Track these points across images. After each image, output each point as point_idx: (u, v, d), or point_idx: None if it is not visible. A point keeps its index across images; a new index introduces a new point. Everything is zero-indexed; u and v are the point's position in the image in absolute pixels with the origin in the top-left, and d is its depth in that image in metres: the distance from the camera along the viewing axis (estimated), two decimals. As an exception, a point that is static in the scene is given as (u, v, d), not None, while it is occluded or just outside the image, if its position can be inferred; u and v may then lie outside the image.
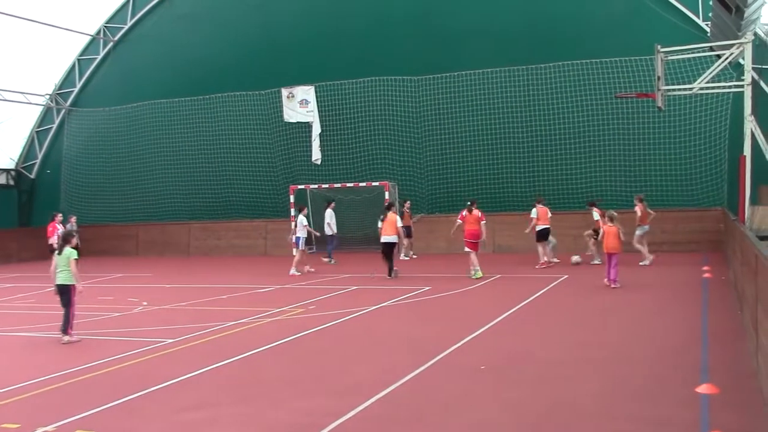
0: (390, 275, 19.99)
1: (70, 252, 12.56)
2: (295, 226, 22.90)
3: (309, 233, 22.96)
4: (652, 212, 21.26)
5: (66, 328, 12.38)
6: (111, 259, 30.56)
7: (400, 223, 20.51)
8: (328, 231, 25.05)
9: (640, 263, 20.15)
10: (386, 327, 13.08)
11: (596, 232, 20.98)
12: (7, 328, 14.17)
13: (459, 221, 19.74)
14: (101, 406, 8.35)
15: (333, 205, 25.33)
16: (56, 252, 12.67)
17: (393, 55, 28.90)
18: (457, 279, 18.94)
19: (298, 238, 22.63)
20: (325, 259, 25.05)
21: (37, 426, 7.65)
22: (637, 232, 20.82)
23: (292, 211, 29.03)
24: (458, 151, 28.34)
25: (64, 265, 12.49)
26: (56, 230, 24.21)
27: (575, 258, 21.31)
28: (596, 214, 20.76)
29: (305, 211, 23.31)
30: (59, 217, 25.04)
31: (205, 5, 32.45)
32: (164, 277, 23.62)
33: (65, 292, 12.48)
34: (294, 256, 22.64)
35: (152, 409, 8.28)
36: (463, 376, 9.20)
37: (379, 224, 21.08)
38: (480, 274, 19.14)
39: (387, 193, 26.93)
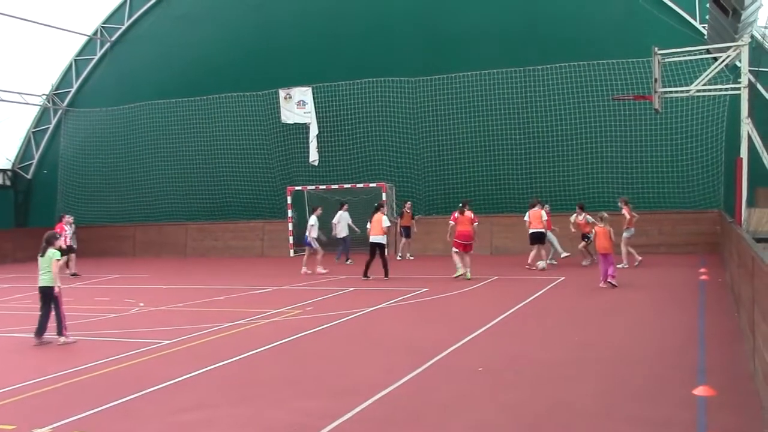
0: (385, 276, 20.00)
1: (52, 253, 12.48)
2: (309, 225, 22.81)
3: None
4: (635, 215, 21.28)
5: (59, 330, 12.32)
6: (108, 259, 30.51)
7: (387, 223, 20.47)
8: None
9: (619, 266, 20.06)
10: (384, 328, 13.07)
11: (586, 237, 21.06)
12: (3, 329, 14.14)
13: (452, 223, 19.74)
14: (98, 407, 8.34)
15: (345, 207, 24.90)
16: (39, 254, 12.59)
17: (390, 57, 28.92)
18: (455, 280, 18.94)
19: (305, 238, 22.64)
20: (348, 261, 24.92)
21: (34, 427, 7.63)
22: (625, 235, 20.79)
23: (290, 212, 29.11)
24: (456, 152, 28.37)
25: (47, 266, 12.42)
26: (63, 231, 24.19)
27: (541, 263, 20.88)
28: (590, 218, 20.91)
29: (318, 211, 23.17)
30: (67, 217, 25.05)
31: (202, 6, 32.44)
32: (161, 278, 23.59)
33: (49, 295, 12.42)
34: (316, 257, 22.51)
35: (149, 411, 8.26)
36: (461, 377, 9.20)
37: (368, 225, 21.11)
38: (460, 272, 19.12)
39: (384, 195, 26.95)
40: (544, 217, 21.29)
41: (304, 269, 22.30)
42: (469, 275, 19.08)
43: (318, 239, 22.43)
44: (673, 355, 10.08)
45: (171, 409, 8.24)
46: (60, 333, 12.29)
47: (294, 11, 30.65)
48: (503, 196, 27.40)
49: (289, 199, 29.16)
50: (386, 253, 20.61)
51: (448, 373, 9.46)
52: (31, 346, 12.28)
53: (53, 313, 12.39)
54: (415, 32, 28.86)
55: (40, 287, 12.49)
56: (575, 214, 21.63)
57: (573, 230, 21.75)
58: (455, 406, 7.97)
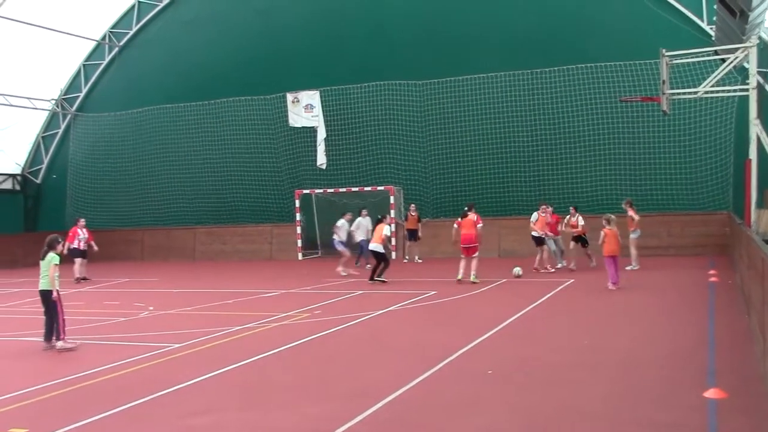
0: (372, 278, 20.06)
1: (51, 257, 12.53)
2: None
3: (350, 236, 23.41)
4: (639, 216, 21.25)
5: (58, 334, 12.27)
6: (117, 264, 30.58)
7: (388, 232, 20.55)
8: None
9: (627, 267, 19.99)
10: (393, 331, 13.08)
11: (580, 239, 21.06)
12: (12, 333, 14.21)
13: (455, 226, 19.73)
14: (108, 411, 8.36)
15: (364, 213, 24.73)
16: (40, 258, 12.63)
17: (398, 60, 28.93)
18: (463, 283, 18.92)
19: (332, 240, 22.96)
20: (367, 266, 24.90)
21: (46, 431, 7.66)
22: (633, 236, 20.71)
23: (297, 216, 29.14)
24: (463, 154, 28.33)
25: (46, 270, 12.45)
26: (77, 235, 24.31)
27: (516, 270, 20.37)
28: (581, 219, 20.99)
29: (348, 216, 23.45)
30: (82, 221, 25.18)
31: (210, 11, 32.51)
32: (170, 281, 23.67)
33: (48, 298, 12.43)
34: (341, 258, 22.78)
35: (158, 415, 8.29)
36: (471, 380, 9.19)
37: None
38: (459, 277, 19.08)
39: (392, 198, 26.96)
40: (533, 218, 21.27)
41: (339, 269, 22.43)
42: (475, 279, 19.04)
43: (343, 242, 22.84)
44: (684, 357, 10.05)
45: (180, 413, 8.26)
46: (58, 337, 12.28)
47: (302, 15, 30.70)
48: (511, 199, 27.35)
49: (297, 203, 29.21)
50: (387, 261, 20.54)
51: (458, 375, 9.46)
52: (40, 350, 12.31)
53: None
54: (422, 35, 28.85)
55: (39, 291, 12.53)
56: (569, 216, 21.61)
57: (563, 228, 21.66)
58: (465, 409, 7.96)
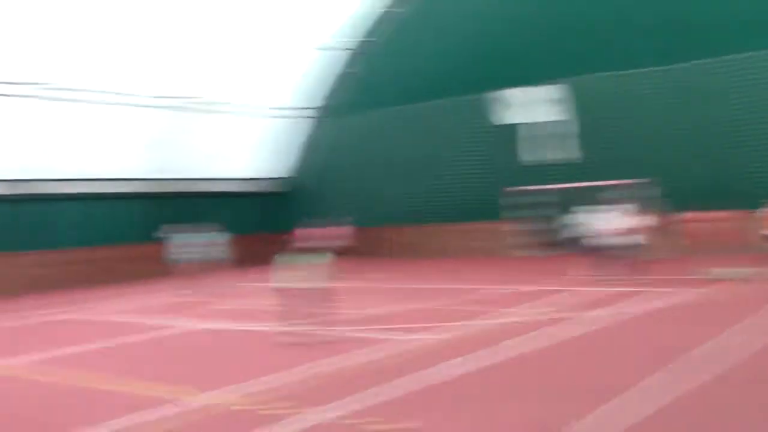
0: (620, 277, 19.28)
1: (324, 256, 13.35)
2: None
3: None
4: None
5: (323, 324, 13.02)
6: (366, 261, 31.63)
7: (636, 224, 19.96)
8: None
9: None
10: (653, 333, 12.58)
11: None
12: (268, 324, 15.11)
13: (689, 221, 18.68)
14: (372, 395, 8.85)
15: (603, 204, 24.26)
16: (301, 258, 13.34)
17: (635, 46, 27.90)
18: (717, 282, 17.71)
19: (571, 237, 22.78)
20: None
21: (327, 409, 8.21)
22: None
23: (533, 212, 28.70)
24: (712, 143, 26.63)
25: (317, 268, 13.19)
26: (337, 233, 25.85)
27: (737, 271, 18.21)
28: None
29: (584, 210, 22.72)
30: (335, 220, 26.84)
31: (446, 11, 32.95)
32: (418, 278, 24.48)
33: (320, 294, 13.13)
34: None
35: (425, 402, 8.60)
36: (744, 388, 8.60)
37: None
38: (712, 275, 17.97)
39: (641, 191, 25.82)
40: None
41: (587, 275, 21.58)
42: (726, 275, 17.87)
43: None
44: None
45: (448, 400, 8.54)
46: (321, 327, 12.98)
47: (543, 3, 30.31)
48: None
49: (536, 198, 28.81)
50: (633, 257, 19.76)
51: (730, 384, 8.85)
52: (289, 341, 12.99)
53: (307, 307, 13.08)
54: (658, 18, 27.59)
55: (304, 288, 13.14)
56: None
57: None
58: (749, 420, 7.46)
